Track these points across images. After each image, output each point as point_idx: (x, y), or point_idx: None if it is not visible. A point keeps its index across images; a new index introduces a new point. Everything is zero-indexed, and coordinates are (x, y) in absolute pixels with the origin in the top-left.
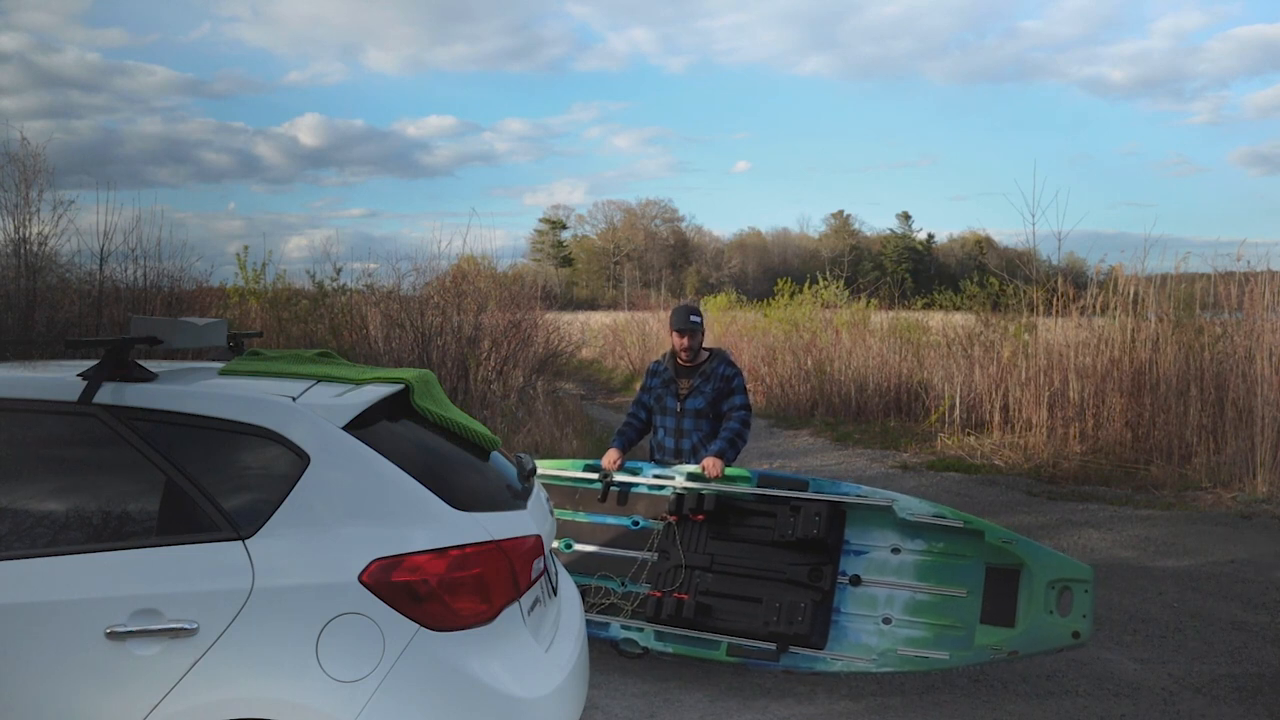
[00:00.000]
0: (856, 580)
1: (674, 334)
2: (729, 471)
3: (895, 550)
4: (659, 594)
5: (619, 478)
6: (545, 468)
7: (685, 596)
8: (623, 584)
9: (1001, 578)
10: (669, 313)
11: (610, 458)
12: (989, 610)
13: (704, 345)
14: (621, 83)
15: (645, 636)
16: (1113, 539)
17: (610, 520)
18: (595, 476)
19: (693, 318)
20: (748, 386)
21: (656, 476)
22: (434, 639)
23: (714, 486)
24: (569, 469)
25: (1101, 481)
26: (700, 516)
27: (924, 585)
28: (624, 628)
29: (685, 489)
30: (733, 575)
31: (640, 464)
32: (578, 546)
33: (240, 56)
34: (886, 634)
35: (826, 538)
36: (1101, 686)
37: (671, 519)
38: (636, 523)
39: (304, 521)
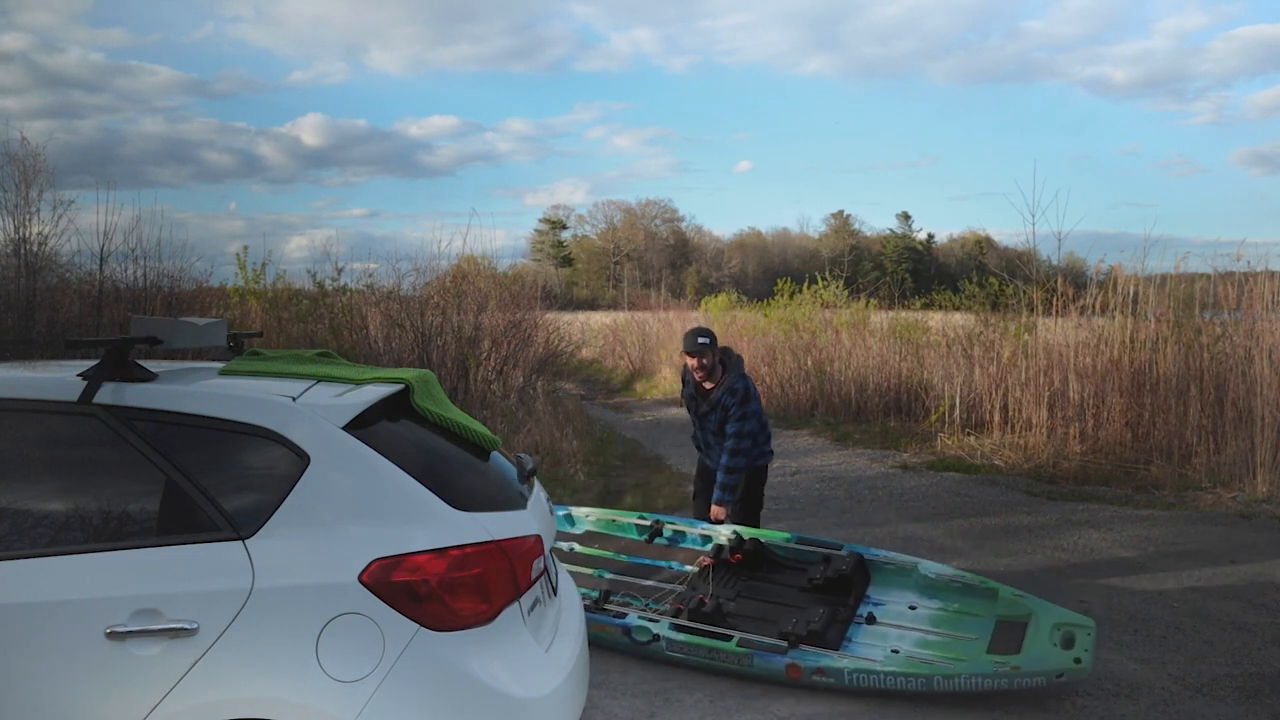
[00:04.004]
0: (871, 619)
1: (685, 356)
2: (768, 534)
3: (912, 607)
4: (681, 606)
5: (668, 527)
6: (600, 515)
7: (706, 600)
8: (646, 605)
9: (1010, 627)
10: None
11: (717, 513)
12: (996, 646)
13: (722, 359)
14: (624, 83)
15: (660, 626)
16: (1113, 539)
17: (647, 561)
18: (647, 524)
19: (700, 339)
20: (751, 395)
21: (703, 533)
22: (434, 639)
23: (754, 532)
24: (625, 517)
25: (1101, 481)
26: (738, 556)
27: (936, 630)
28: (640, 618)
29: (729, 539)
30: (757, 602)
31: (693, 520)
32: (610, 576)
33: (243, 56)
34: (894, 660)
35: (852, 574)
36: (1101, 686)
37: (708, 563)
38: (672, 567)
39: (304, 521)
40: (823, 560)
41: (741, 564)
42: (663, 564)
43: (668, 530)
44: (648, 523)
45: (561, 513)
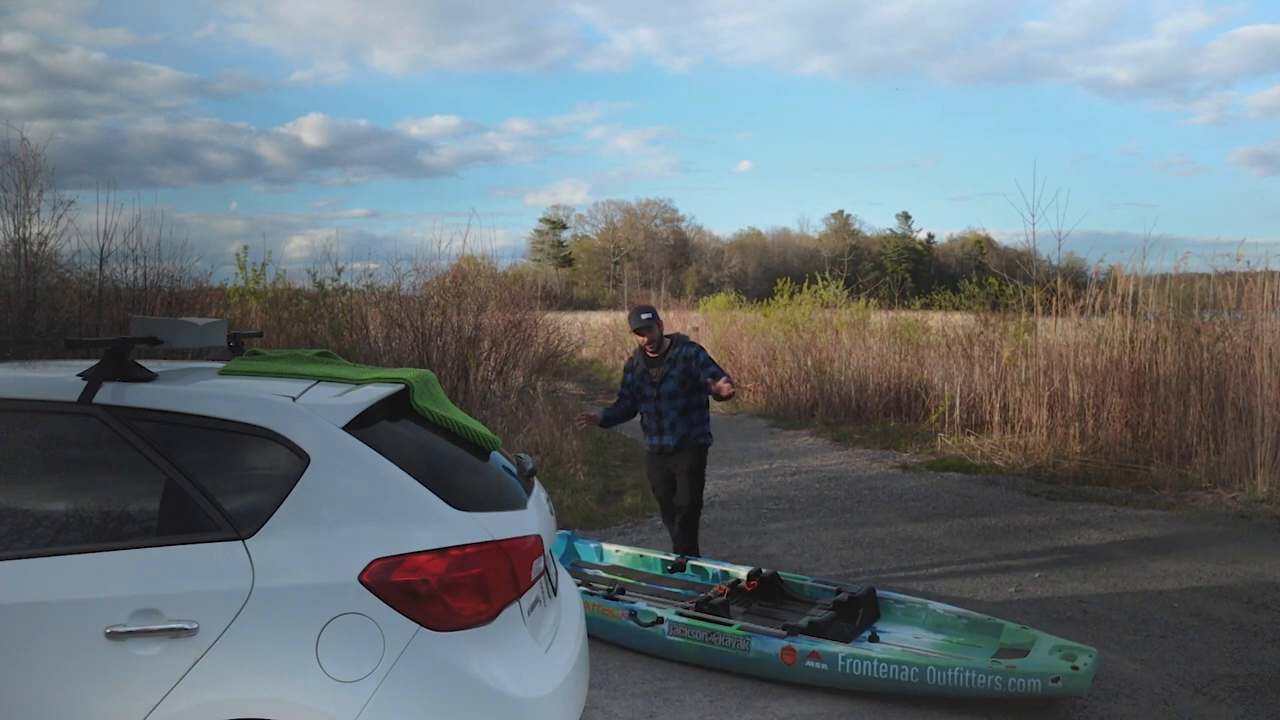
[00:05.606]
0: (875, 638)
1: (635, 335)
2: (788, 575)
3: (917, 638)
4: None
5: (691, 565)
6: (628, 550)
7: (722, 590)
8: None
9: (1013, 651)
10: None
11: (585, 416)
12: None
13: (665, 334)
14: (625, 83)
15: (667, 612)
16: (1113, 539)
17: (666, 588)
18: (672, 559)
19: (643, 315)
20: (726, 371)
21: (725, 569)
22: (434, 639)
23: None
24: (652, 553)
25: (1101, 481)
26: (754, 584)
27: (938, 651)
28: (648, 604)
29: (748, 574)
30: (765, 618)
31: (716, 561)
32: (629, 593)
33: (245, 56)
34: (890, 650)
35: (863, 599)
36: (1101, 686)
37: (725, 590)
38: (690, 594)
39: (304, 521)
40: (836, 594)
41: (755, 591)
42: (680, 591)
43: (690, 568)
44: (673, 559)
45: (592, 545)
